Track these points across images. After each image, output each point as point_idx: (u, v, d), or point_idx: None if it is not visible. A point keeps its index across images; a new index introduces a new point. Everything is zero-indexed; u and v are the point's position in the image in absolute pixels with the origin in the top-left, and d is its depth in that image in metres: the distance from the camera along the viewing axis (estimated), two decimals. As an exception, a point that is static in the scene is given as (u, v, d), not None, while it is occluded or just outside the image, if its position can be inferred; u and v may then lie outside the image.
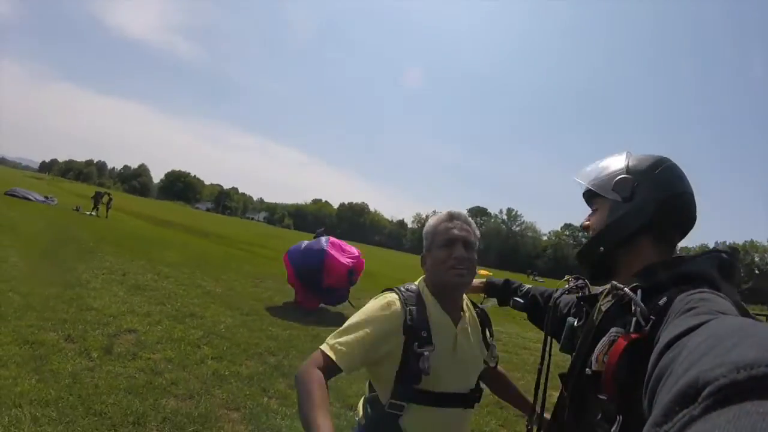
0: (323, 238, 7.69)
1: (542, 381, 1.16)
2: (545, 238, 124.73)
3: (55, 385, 3.20)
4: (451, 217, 1.37)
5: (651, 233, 0.92)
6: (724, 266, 0.82)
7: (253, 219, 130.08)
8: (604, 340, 0.80)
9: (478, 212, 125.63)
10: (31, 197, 22.66)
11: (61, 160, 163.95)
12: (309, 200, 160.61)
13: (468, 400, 1.30)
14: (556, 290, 1.24)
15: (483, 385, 1.40)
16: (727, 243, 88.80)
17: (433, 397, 1.21)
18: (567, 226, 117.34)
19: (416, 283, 1.37)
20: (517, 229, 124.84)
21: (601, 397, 0.79)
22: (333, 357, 1.12)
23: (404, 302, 1.25)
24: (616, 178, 0.96)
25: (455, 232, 1.32)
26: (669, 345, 0.53)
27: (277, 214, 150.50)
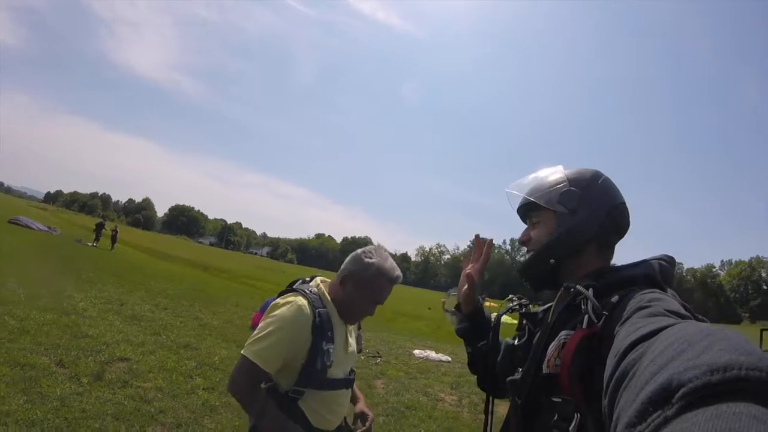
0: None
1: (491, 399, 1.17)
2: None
3: (42, 406, 3.15)
4: (395, 281, 1.52)
5: (595, 242, 0.95)
6: (664, 271, 0.86)
7: (256, 254, 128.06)
8: (554, 343, 0.80)
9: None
10: (33, 227, 22.25)
11: (66, 191, 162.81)
12: (312, 235, 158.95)
13: (350, 382, 1.60)
14: (498, 313, 1.20)
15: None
16: (732, 260, 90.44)
17: (328, 383, 1.47)
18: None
19: (317, 284, 1.54)
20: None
21: (555, 399, 0.78)
22: (259, 363, 1.32)
23: (313, 306, 1.43)
24: (562, 191, 0.97)
25: (386, 296, 1.53)
26: (632, 346, 0.52)
27: (280, 249, 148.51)
